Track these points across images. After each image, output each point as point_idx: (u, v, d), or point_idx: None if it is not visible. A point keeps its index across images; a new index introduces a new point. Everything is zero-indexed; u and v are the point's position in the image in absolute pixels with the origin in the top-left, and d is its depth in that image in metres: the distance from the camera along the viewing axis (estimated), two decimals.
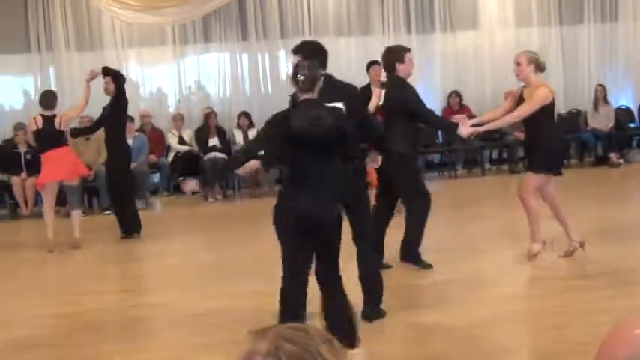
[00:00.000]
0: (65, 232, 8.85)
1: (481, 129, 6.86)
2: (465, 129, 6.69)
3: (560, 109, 14.30)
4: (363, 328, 5.29)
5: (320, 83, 4.60)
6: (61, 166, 8.56)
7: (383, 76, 8.99)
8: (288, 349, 1.43)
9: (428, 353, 4.95)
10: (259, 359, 1.45)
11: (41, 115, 8.76)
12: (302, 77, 4.52)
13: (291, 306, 4.56)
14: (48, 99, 8.88)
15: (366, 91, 10.16)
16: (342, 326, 4.49)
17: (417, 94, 6.70)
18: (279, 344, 1.45)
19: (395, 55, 6.73)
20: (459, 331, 5.19)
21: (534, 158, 6.75)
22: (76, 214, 8.85)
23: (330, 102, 4.76)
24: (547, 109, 6.60)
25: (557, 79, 14.44)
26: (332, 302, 4.63)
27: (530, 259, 6.64)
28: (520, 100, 6.73)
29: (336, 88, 5.11)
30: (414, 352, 4.97)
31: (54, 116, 8.70)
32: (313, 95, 4.56)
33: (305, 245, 4.51)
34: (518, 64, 6.70)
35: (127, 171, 9.38)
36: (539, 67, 6.71)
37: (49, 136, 8.62)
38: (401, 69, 6.68)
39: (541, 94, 6.52)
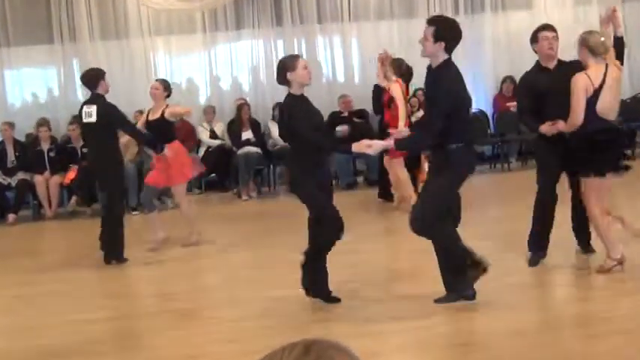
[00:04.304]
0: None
1: (561, 127, 6.32)
2: (544, 128, 6.37)
3: (625, 93, 14.09)
4: (416, 333, 5.28)
5: (290, 79, 5.82)
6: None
7: None
8: None
9: None
10: None
11: None
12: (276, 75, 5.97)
13: None
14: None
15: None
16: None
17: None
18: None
19: None
20: (516, 336, 5.14)
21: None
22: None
23: (436, 85, 5.45)
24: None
25: None
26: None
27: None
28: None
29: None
30: (469, 359, 4.93)
31: None
32: (289, 89, 5.86)
33: None
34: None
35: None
36: (594, 51, 6.21)
37: None
38: None
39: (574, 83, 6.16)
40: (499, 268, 6.71)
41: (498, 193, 11.81)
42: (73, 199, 11.93)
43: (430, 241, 5.67)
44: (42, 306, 6.86)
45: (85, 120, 8.19)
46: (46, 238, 11.00)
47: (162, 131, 8.58)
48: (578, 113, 6.11)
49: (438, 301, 5.70)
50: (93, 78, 8.32)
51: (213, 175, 13.24)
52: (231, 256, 8.49)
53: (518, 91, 6.96)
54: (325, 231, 5.76)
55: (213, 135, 13.02)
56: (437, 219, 5.55)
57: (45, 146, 11.99)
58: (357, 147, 5.54)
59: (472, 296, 5.68)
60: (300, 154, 5.78)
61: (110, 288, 7.51)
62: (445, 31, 5.42)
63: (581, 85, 6.10)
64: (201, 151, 12.97)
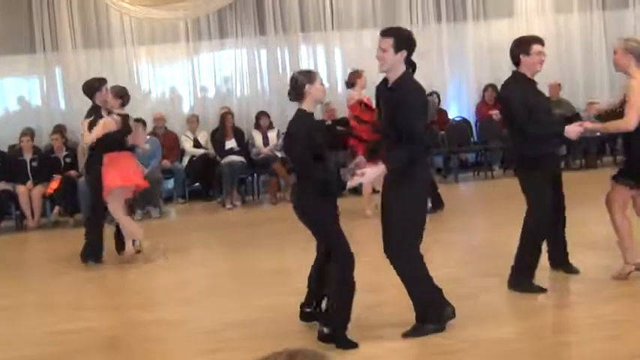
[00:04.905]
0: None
1: (589, 126, 6.21)
2: (572, 129, 6.10)
3: (605, 100, 14.19)
4: (406, 341, 5.29)
5: (306, 95, 5.34)
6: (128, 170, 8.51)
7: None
8: None
9: None
10: None
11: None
12: (289, 90, 5.43)
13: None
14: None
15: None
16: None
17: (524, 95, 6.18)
18: None
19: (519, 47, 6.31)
20: (503, 343, 5.15)
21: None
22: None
23: (389, 103, 5.29)
24: None
25: (600, 68, 14.36)
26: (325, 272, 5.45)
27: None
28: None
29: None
30: None
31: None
32: (300, 105, 5.37)
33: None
34: (614, 52, 6.20)
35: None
36: None
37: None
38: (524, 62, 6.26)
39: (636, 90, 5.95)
40: (484, 276, 6.75)
41: (482, 200, 11.85)
42: (56, 209, 11.88)
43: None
44: (24, 317, 6.81)
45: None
46: (29, 248, 10.94)
47: (102, 140, 8.44)
48: (634, 118, 5.94)
49: (405, 335, 5.38)
50: (89, 89, 8.67)
51: (197, 184, 13.24)
52: (214, 265, 8.48)
53: (515, 105, 6.15)
54: (338, 268, 5.33)
55: (196, 144, 13.01)
56: (412, 245, 5.26)
57: (27, 156, 11.93)
58: (352, 183, 5.31)
59: (452, 313, 5.44)
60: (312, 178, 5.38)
61: (92, 299, 7.47)
62: (404, 41, 5.25)
63: (639, 88, 5.93)
64: (185, 161, 12.96)
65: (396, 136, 5.29)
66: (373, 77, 13.38)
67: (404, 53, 5.21)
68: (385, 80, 5.42)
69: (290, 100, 5.45)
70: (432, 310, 5.39)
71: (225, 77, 13.88)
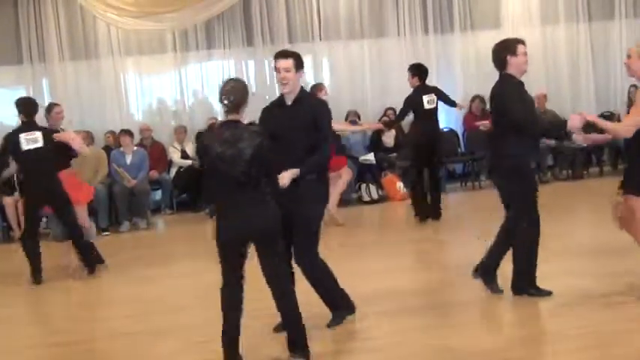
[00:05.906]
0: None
1: (589, 118, 6.00)
2: (575, 120, 5.93)
3: (591, 111, 14.28)
4: (390, 352, 5.31)
5: (244, 107, 5.03)
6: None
7: None
8: None
9: None
10: None
11: None
12: (227, 102, 4.96)
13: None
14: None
15: None
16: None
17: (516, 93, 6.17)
18: None
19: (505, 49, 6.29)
20: (490, 353, 5.18)
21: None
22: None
23: (298, 115, 5.53)
24: None
25: (586, 79, 14.47)
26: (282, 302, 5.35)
27: None
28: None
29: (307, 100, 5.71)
30: None
31: None
32: (236, 117, 5.00)
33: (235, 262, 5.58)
34: (628, 56, 6.00)
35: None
36: None
37: None
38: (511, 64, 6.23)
39: None
40: (470, 287, 6.77)
41: (471, 210, 11.90)
42: (43, 221, 11.83)
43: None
44: (12, 329, 6.80)
45: None
46: (16, 260, 10.88)
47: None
48: (632, 127, 5.78)
49: (330, 325, 5.88)
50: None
51: (185, 195, 13.23)
52: (203, 275, 8.44)
53: (513, 103, 6.10)
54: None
55: (184, 155, 13.02)
56: (316, 252, 5.75)
57: (14, 168, 11.88)
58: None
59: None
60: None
61: (80, 310, 7.46)
62: (300, 61, 5.63)
63: None
64: (173, 172, 12.96)
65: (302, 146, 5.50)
66: (359, 88, 13.65)
67: (301, 73, 5.62)
68: (278, 102, 5.76)
69: (229, 111, 5.02)
70: (342, 298, 5.88)
71: (212, 88, 13.89)
